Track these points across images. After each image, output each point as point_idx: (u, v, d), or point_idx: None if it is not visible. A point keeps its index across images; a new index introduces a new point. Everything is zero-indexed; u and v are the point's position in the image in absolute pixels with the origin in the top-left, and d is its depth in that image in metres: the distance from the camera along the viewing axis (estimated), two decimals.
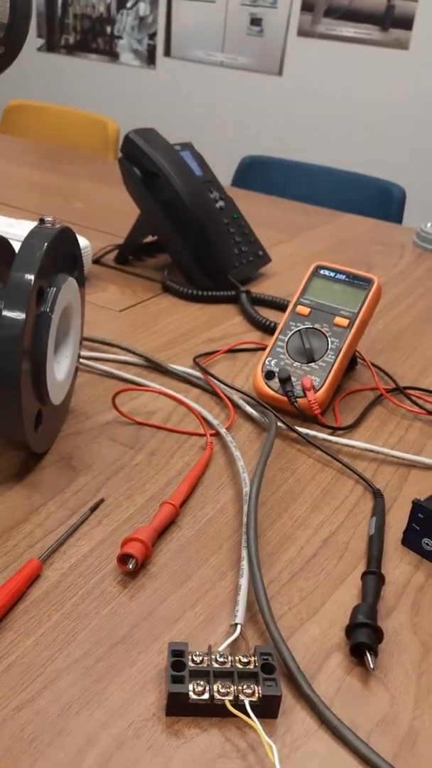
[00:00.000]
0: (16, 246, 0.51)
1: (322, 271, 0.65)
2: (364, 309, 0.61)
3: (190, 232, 0.83)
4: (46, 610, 0.39)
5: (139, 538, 0.42)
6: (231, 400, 0.61)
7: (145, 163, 0.82)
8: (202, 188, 0.87)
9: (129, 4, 2.57)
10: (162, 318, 0.78)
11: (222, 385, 0.62)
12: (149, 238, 0.94)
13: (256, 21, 2.36)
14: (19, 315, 0.42)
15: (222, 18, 2.42)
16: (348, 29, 2.28)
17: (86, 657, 0.36)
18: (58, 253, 0.48)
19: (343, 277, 0.64)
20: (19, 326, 0.42)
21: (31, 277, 0.43)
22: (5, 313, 0.43)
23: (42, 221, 0.47)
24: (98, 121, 1.80)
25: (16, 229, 0.79)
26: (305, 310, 0.62)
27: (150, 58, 2.61)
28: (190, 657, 0.35)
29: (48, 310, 0.46)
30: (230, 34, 2.43)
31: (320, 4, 2.24)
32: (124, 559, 0.42)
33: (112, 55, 2.65)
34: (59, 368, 0.51)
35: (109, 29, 2.63)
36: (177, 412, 0.60)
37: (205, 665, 0.34)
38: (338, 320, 0.61)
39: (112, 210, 1.17)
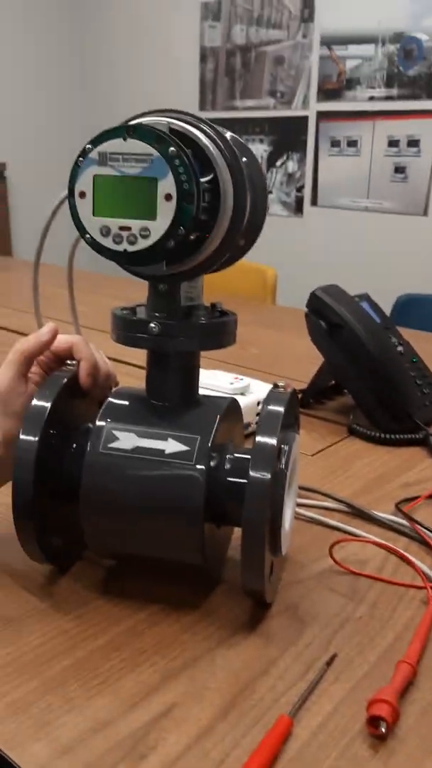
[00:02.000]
0: (202, 392, 0.55)
1: None
2: None
3: (374, 378, 0.87)
4: None
5: (386, 699, 0.42)
6: None
7: (330, 316, 0.88)
8: (384, 335, 0.91)
9: (278, 163, 2.84)
10: (353, 462, 0.80)
11: None
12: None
13: (400, 169, 2.51)
14: (265, 475, 0.46)
15: (367, 169, 2.60)
16: None
17: None
18: (289, 412, 0.52)
19: None
20: (266, 487, 0.46)
21: (274, 441, 0.47)
22: (252, 473, 0.47)
23: (276, 386, 0.52)
24: (257, 270, 1.95)
25: (213, 380, 0.87)
26: None
27: (298, 208, 2.82)
28: None
29: (283, 467, 0.50)
30: (375, 181, 2.59)
31: None
32: (373, 721, 0.42)
33: None
34: (287, 519, 0.54)
35: None
36: (389, 561, 0.60)
37: None
38: None
39: (286, 354, 1.24)
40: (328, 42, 2.61)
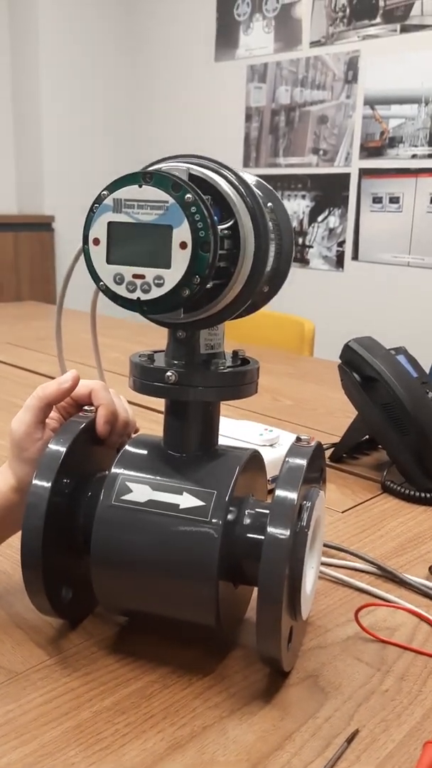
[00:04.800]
0: (230, 442, 0.54)
1: None
2: None
3: (410, 434, 0.84)
4: None
5: None
6: None
7: (364, 369, 0.86)
8: (420, 390, 0.88)
9: (320, 218, 2.86)
10: (386, 521, 0.77)
11: None
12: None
13: None
14: (284, 533, 0.44)
15: (409, 224, 2.60)
16: None
17: None
18: (312, 466, 0.50)
19: None
20: (284, 545, 0.44)
21: (294, 496, 0.45)
22: (270, 529, 0.44)
23: (299, 439, 0.50)
24: (295, 322, 1.94)
25: (243, 430, 0.85)
26: None
27: (338, 262, 2.83)
28: None
29: (305, 525, 0.47)
30: (417, 237, 2.58)
31: None
32: None
33: (303, 262, 2.92)
34: (308, 581, 0.51)
35: (301, 240, 2.92)
36: (421, 630, 0.56)
37: None
38: None
39: (320, 407, 1.21)
40: (371, 102, 2.65)
